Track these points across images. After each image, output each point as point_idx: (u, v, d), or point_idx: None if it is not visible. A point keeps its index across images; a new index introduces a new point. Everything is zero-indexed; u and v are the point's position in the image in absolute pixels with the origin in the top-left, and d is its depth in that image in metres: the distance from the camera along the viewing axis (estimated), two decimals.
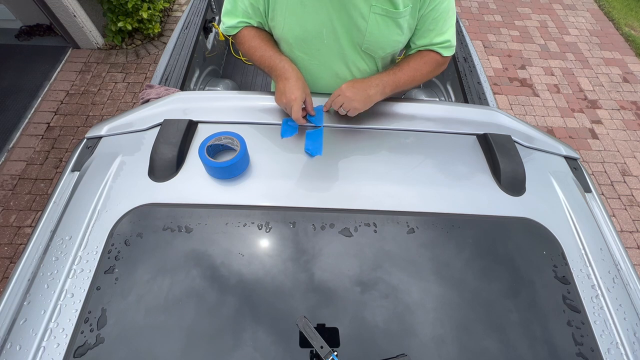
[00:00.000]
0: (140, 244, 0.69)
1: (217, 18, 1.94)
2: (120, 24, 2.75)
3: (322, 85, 0.99)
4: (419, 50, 0.94)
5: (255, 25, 0.94)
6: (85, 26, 2.76)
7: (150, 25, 2.94)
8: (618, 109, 2.93)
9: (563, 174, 0.89)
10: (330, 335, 0.61)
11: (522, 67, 3.20)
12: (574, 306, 0.68)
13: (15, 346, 0.59)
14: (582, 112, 2.90)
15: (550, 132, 2.74)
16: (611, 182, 2.49)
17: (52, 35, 2.94)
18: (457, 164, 0.87)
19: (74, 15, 2.64)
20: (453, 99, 1.55)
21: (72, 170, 0.83)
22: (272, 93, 0.99)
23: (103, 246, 0.69)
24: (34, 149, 2.35)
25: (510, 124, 0.96)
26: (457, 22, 1.47)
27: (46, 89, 2.67)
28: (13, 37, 2.93)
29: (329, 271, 0.68)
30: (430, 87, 1.76)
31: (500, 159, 0.84)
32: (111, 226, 0.71)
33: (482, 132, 0.93)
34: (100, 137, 0.88)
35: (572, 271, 0.72)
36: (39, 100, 2.59)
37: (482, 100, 1.27)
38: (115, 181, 0.78)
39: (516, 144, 0.91)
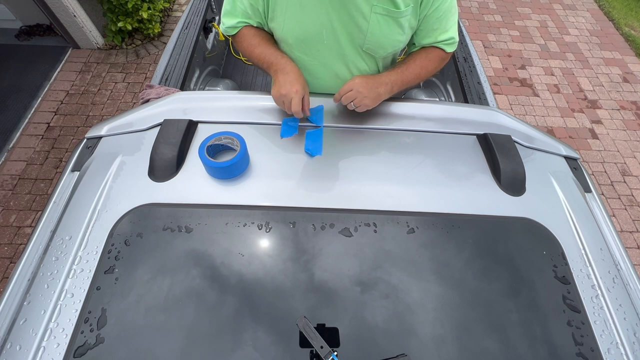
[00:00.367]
0: (140, 244, 0.69)
1: (217, 18, 1.94)
2: (120, 24, 2.75)
3: (322, 85, 0.99)
4: (423, 47, 0.94)
5: (255, 25, 0.94)
6: (85, 26, 2.76)
7: (150, 25, 2.94)
8: (618, 109, 2.93)
9: (563, 174, 0.89)
10: (330, 335, 0.61)
11: (522, 67, 3.20)
12: (574, 306, 0.68)
13: (15, 346, 0.59)
14: (582, 112, 2.90)
15: (550, 132, 2.74)
16: (611, 182, 2.49)
17: (52, 35, 2.94)
18: (457, 164, 0.87)
19: (74, 15, 2.64)
20: (453, 99, 1.55)
21: (72, 170, 0.83)
22: None
23: (103, 246, 0.69)
24: (34, 149, 2.35)
25: (510, 124, 0.96)
26: (458, 21, 1.47)
27: (46, 89, 2.67)
28: (13, 37, 2.93)
29: (329, 271, 0.68)
30: (430, 87, 1.76)
31: (500, 159, 0.84)
32: (111, 226, 0.71)
33: (482, 132, 0.93)
34: (100, 137, 0.88)
35: (572, 271, 0.72)
36: (39, 100, 2.59)
37: (482, 100, 1.27)
38: (115, 181, 0.78)
39: (516, 144, 0.91)
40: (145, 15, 2.79)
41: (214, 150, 0.82)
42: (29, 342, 0.59)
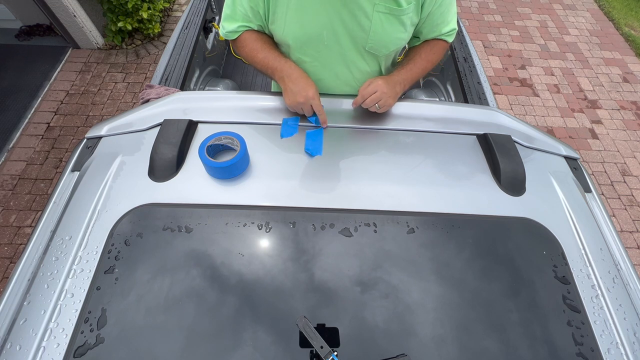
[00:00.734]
0: (140, 244, 0.69)
1: (217, 18, 1.94)
2: (120, 24, 2.75)
3: (322, 86, 0.99)
4: (426, 40, 0.96)
5: (256, 28, 0.94)
6: (85, 26, 2.76)
7: (150, 25, 2.94)
8: (618, 109, 2.93)
9: (563, 174, 0.89)
10: (330, 335, 0.61)
11: (522, 67, 3.20)
12: (574, 306, 0.68)
13: (15, 346, 0.59)
14: (582, 112, 2.90)
15: (550, 132, 2.74)
16: (611, 182, 2.49)
17: (52, 35, 2.95)
18: (457, 164, 0.87)
19: (74, 15, 2.64)
20: (453, 99, 1.55)
21: (72, 170, 0.83)
22: (272, 93, 0.99)
23: (103, 246, 0.69)
24: (34, 149, 2.35)
25: (510, 124, 0.96)
26: (457, 21, 1.47)
27: (46, 89, 2.67)
28: (13, 37, 2.93)
29: (329, 271, 0.68)
30: (430, 87, 1.76)
31: (500, 159, 0.84)
32: (111, 226, 0.71)
33: (482, 132, 0.93)
34: (100, 137, 0.88)
35: (572, 271, 0.72)
36: (39, 100, 2.60)
37: (482, 100, 1.27)
38: (115, 181, 0.78)
39: (516, 144, 0.91)
40: (145, 15, 2.79)
41: (214, 150, 0.82)
42: (29, 342, 0.59)
